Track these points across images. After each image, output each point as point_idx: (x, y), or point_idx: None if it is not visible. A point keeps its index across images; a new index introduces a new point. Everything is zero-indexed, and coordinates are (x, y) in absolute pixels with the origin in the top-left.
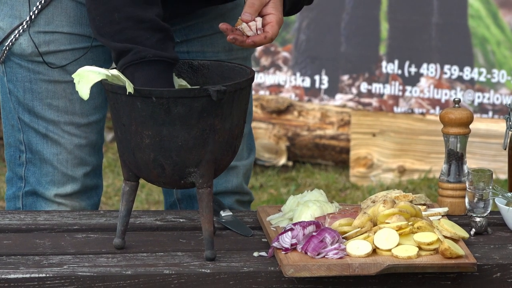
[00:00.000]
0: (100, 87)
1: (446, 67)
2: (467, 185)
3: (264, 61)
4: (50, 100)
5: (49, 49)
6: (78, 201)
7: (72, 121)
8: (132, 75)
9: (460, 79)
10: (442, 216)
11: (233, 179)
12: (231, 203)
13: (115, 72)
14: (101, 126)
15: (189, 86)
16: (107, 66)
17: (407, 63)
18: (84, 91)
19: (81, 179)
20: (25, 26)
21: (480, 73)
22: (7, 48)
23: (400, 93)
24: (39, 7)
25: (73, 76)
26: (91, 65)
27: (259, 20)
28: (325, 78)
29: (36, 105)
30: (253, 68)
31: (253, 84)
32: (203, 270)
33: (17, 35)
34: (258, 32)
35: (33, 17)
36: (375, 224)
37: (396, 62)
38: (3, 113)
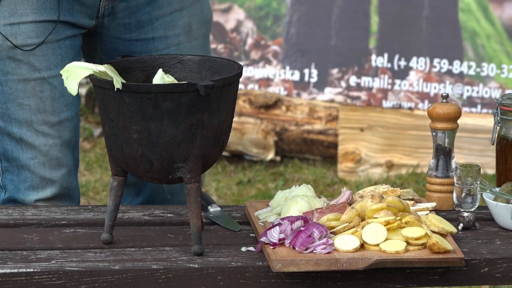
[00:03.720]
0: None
1: (436, 60)
2: (455, 180)
3: (254, 54)
4: (21, 100)
5: (16, 42)
6: (59, 203)
7: (45, 119)
8: None
9: (449, 72)
10: (430, 211)
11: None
12: None
13: (102, 68)
14: (74, 124)
15: (177, 82)
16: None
17: (396, 57)
18: (72, 87)
19: (60, 181)
20: None
21: (469, 67)
22: None
23: (389, 87)
24: None
25: (61, 72)
26: (61, 58)
27: None
28: (314, 72)
29: (9, 107)
30: (243, 62)
31: (242, 78)
32: (191, 265)
33: None
34: None
35: None
36: (363, 219)
37: (386, 55)
38: None
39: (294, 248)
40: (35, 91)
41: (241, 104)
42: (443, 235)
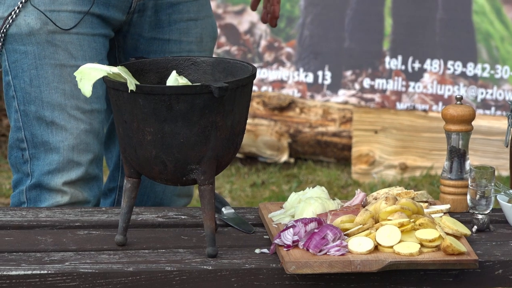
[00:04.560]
0: (100, 80)
1: (450, 62)
2: (469, 182)
3: (268, 56)
4: (56, 84)
5: (56, 28)
6: (81, 190)
7: (78, 105)
8: None
9: (463, 75)
10: (444, 213)
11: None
12: None
13: (116, 69)
14: (102, 117)
15: (190, 83)
16: (105, 61)
17: (410, 59)
18: (86, 88)
19: (86, 165)
20: (23, 1)
21: (483, 69)
22: (4, 30)
23: (403, 89)
24: None
25: (75, 74)
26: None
27: None
28: (328, 74)
29: (42, 90)
30: (256, 64)
31: (256, 80)
32: (204, 267)
33: (17, 12)
34: None
35: None
36: (377, 221)
37: (400, 57)
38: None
39: (308, 250)
40: (70, 77)
41: (255, 106)
42: (457, 237)
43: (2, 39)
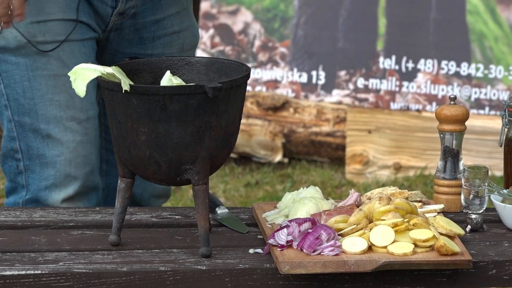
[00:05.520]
0: (93, 83)
1: (444, 62)
2: (462, 182)
3: (262, 56)
4: (51, 95)
5: (45, 39)
6: (78, 203)
7: (74, 116)
8: None
9: (457, 74)
10: (438, 213)
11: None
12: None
13: (110, 70)
14: (97, 123)
15: (184, 83)
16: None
17: (404, 59)
18: (80, 89)
19: (83, 178)
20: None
21: (477, 69)
22: None
23: (397, 89)
24: None
25: (69, 74)
26: (85, 57)
27: None
28: (322, 74)
29: (37, 102)
30: (250, 64)
31: (250, 80)
32: (198, 267)
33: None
34: None
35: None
36: (370, 221)
37: (394, 57)
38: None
39: (302, 250)
40: (65, 87)
41: (248, 106)
42: (451, 237)
43: None
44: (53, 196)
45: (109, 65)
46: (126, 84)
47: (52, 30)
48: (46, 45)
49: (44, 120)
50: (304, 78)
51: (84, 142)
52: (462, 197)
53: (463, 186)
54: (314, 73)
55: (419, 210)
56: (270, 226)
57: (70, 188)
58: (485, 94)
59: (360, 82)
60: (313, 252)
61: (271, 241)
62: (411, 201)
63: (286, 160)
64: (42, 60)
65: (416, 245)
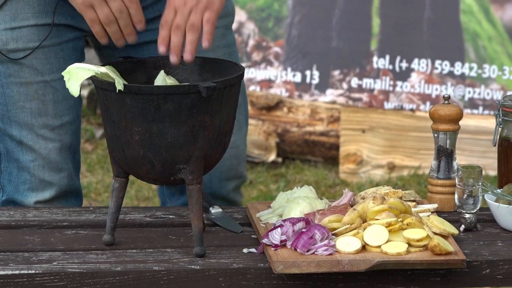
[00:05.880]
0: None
1: (437, 62)
2: (456, 181)
3: (256, 56)
4: (22, 103)
5: (17, 46)
6: (57, 205)
7: (46, 123)
8: None
9: (451, 74)
10: (432, 212)
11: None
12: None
13: (104, 69)
14: (75, 127)
15: (178, 83)
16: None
17: (398, 58)
18: (74, 88)
19: (59, 183)
20: None
21: (471, 68)
22: None
23: (391, 88)
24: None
25: (62, 73)
26: (63, 61)
27: None
28: (316, 73)
29: (9, 109)
30: (244, 63)
31: (244, 79)
32: (192, 266)
33: None
34: None
35: None
36: (364, 221)
37: (387, 57)
38: None
39: (295, 249)
40: (37, 94)
41: None
42: (444, 236)
43: None
44: (29, 198)
45: (105, 64)
46: (120, 83)
47: (25, 36)
48: (18, 52)
49: (16, 127)
50: (298, 78)
51: (58, 148)
52: (456, 196)
53: (457, 185)
54: (308, 72)
55: (413, 209)
56: (264, 225)
57: (46, 192)
58: (479, 93)
59: (354, 82)
60: (307, 251)
61: (265, 240)
62: (405, 200)
63: (280, 159)
64: (15, 67)
65: (410, 245)
